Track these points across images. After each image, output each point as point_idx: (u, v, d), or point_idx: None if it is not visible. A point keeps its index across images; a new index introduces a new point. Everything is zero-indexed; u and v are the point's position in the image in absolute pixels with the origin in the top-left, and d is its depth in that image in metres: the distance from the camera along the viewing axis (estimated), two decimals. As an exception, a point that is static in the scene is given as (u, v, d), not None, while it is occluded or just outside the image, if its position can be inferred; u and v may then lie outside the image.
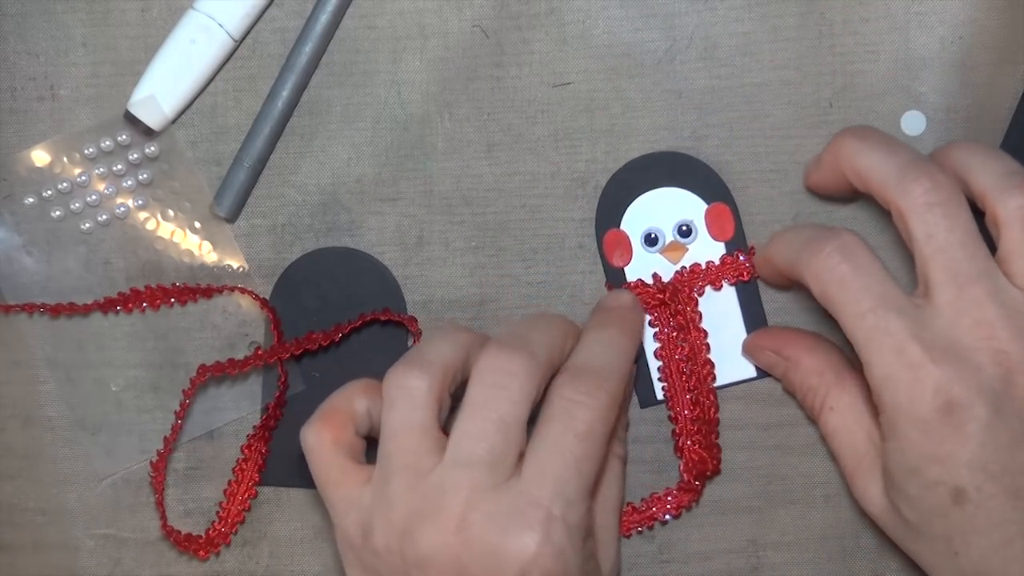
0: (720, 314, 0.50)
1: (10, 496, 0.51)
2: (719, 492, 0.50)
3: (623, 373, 0.45)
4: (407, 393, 0.42)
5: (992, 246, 0.43)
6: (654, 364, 0.50)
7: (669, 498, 0.50)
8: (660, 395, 0.50)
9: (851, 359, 0.47)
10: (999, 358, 0.41)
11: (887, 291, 0.42)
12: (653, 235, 0.50)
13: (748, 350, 0.49)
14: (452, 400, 0.44)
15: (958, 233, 0.42)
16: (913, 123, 0.49)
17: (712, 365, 0.49)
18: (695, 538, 0.50)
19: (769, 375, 0.50)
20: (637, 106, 0.50)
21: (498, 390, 0.42)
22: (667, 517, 0.50)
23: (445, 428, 0.43)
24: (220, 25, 0.48)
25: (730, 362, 0.50)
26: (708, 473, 0.49)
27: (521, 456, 0.42)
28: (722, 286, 0.50)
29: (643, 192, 0.50)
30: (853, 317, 0.42)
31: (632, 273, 0.50)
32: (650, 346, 0.50)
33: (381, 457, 0.43)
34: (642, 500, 0.50)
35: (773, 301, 0.50)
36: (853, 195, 0.47)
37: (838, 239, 0.43)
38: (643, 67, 0.50)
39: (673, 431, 0.50)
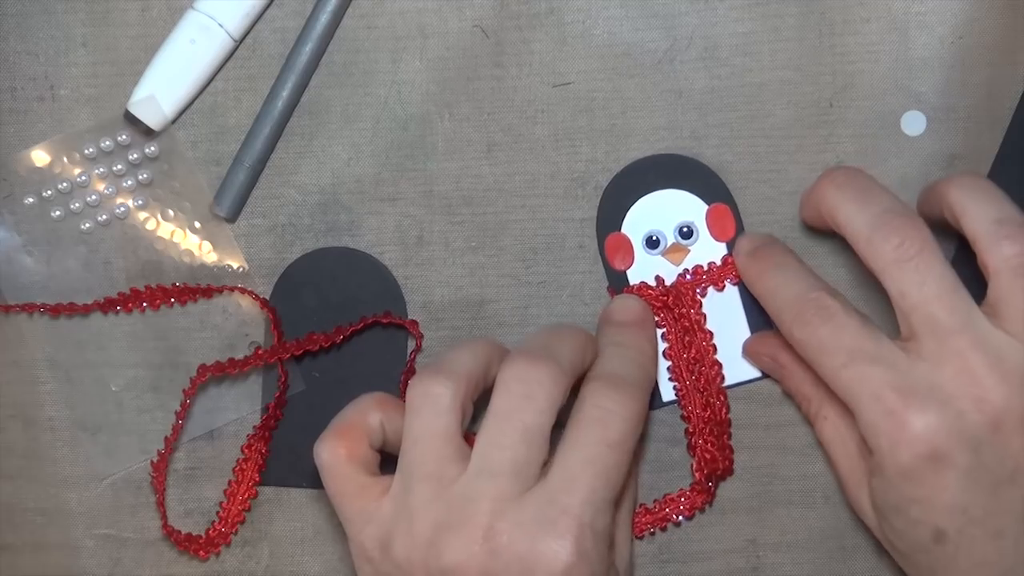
0: (723, 314, 0.50)
1: (10, 496, 0.51)
2: (719, 492, 0.50)
3: (651, 383, 0.46)
4: (431, 400, 0.42)
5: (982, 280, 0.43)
6: (662, 365, 0.50)
7: (683, 499, 0.50)
8: (665, 397, 0.50)
9: None
10: (982, 406, 0.41)
11: (863, 345, 0.42)
12: (654, 237, 0.50)
13: (747, 354, 0.49)
14: (474, 409, 0.44)
15: (932, 287, 0.42)
16: (913, 123, 0.49)
17: (720, 366, 0.49)
18: (695, 538, 0.50)
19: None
20: (637, 106, 0.50)
21: (524, 399, 0.42)
22: (680, 518, 0.50)
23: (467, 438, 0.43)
24: (220, 25, 0.48)
25: (735, 362, 0.50)
26: (720, 473, 0.49)
27: (543, 465, 0.42)
28: (724, 286, 0.50)
29: (643, 195, 0.50)
30: (831, 372, 0.43)
31: (634, 276, 0.50)
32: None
33: (403, 466, 0.43)
34: (655, 501, 0.50)
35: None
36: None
37: (817, 304, 0.44)
38: (643, 67, 0.50)
39: (686, 430, 0.50)
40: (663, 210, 0.50)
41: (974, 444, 0.41)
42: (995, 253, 0.42)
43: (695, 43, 0.49)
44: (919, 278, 0.42)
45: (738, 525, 0.50)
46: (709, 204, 0.50)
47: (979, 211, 0.43)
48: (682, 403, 0.50)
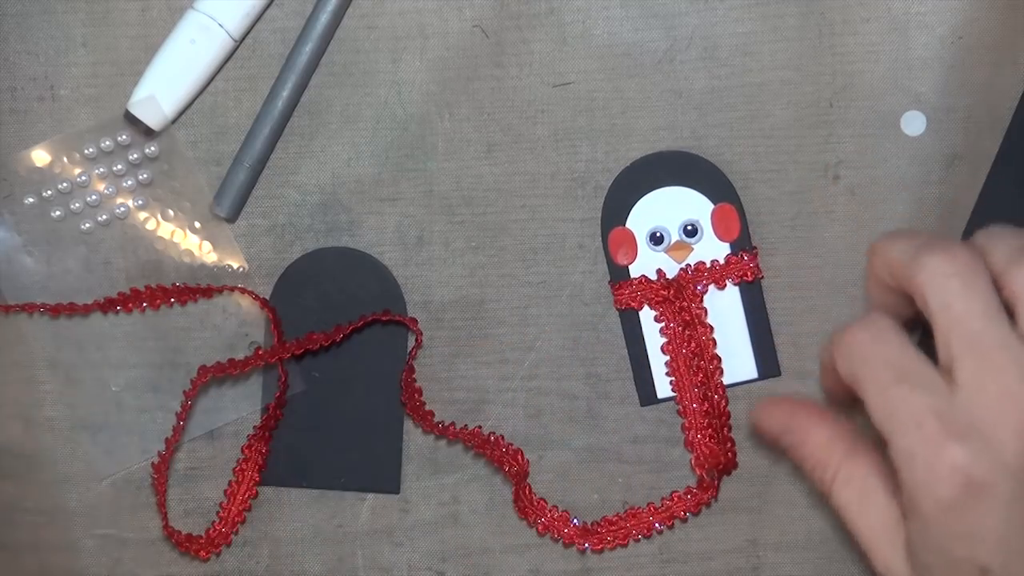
0: (723, 314, 0.50)
1: (10, 496, 0.51)
2: (720, 492, 0.50)
3: None
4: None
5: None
6: (659, 360, 0.50)
7: (689, 496, 0.50)
8: (660, 394, 0.50)
9: (863, 432, 0.45)
10: (1022, 434, 0.40)
11: (911, 367, 0.41)
12: (659, 234, 0.50)
13: (755, 420, 0.47)
14: None
15: (977, 302, 0.40)
16: (913, 123, 0.49)
17: (719, 360, 0.49)
18: (695, 538, 0.50)
19: (770, 376, 0.50)
20: (637, 106, 0.50)
21: None
22: (687, 515, 0.50)
23: None
24: (220, 25, 0.48)
25: (732, 362, 0.50)
26: (722, 467, 0.49)
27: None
28: (726, 285, 0.50)
29: (650, 191, 0.50)
30: (875, 393, 0.41)
31: (636, 271, 0.50)
32: (653, 342, 0.50)
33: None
34: (662, 500, 0.50)
35: (776, 301, 0.50)
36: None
37: (866, 319, 0.42)
38: (643, 67, 0.50)
39: (682, 425, 0.50)
40: (669, 207, 0.50)
41: (1015, 473, 0.40)
42: (1019, 276, 0.42)
43: (695, 43, 0.49)
44: (965, 291, 0.40)
45: (738, 525, 0.50)
46: (715, 203, 0.50)
47: (1000, 243, 0.42)
48: (678, 398, 0.50)
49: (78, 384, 0.51)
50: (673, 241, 0.50)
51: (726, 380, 0.50)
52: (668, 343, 0.50)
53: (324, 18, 0.49)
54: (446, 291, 0.50)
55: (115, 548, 0.51)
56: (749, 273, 0.50)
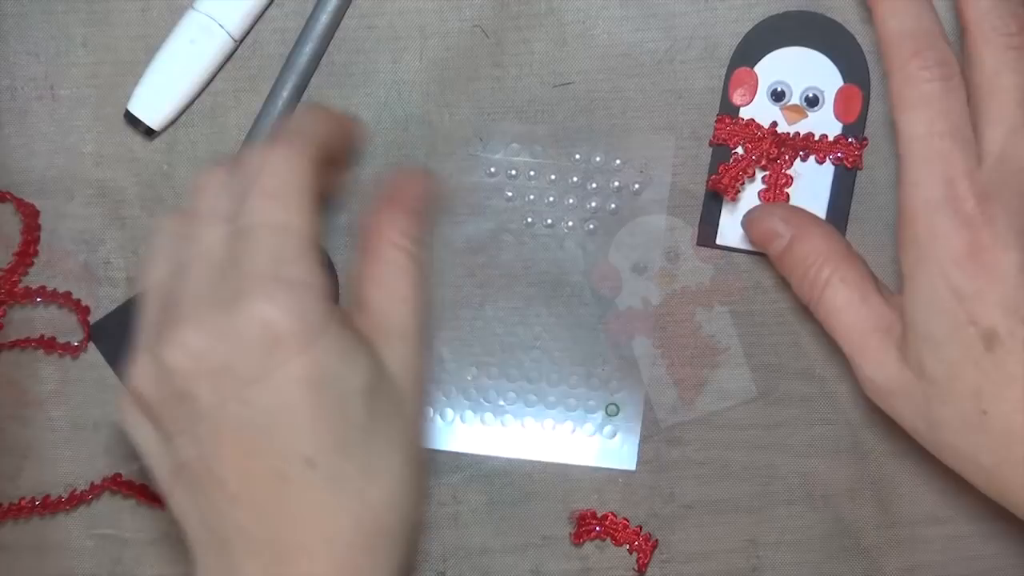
0: (809, 190, 0.49)
1: (10, 496, 0.51)
2: (719, 492, 0.50)
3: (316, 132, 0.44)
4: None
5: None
6: (729, 210, 0.49)
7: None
8: (719, 240, 0.49)
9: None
10: None
11: (961, 125, 0.42)
12: (780, 89, 0.49)
13: (752, 217, 0.47)
14: None
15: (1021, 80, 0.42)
16: (914, 122, 0.49)
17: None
18: (695, 538, 0.50)
19: (767, 380, 0.50)
20: (637, 106, 0.50)
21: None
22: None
23: None
24: (220, 25, 0.48)
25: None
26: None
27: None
28: (825, 160, 0.49)
29: (788, 45, 0.49)
30: (919, 136, 0.43)
31: (746, 115, 0.49)
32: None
33: None
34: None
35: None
36: None
37: (939, 57, 0.43)
38: (643, 67, 0.50)
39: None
40: (800, 68, 0.49)
41: None
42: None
43: (695, 43, 0.50)
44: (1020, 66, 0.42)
45: (738, 525, 0.50)
46: (844, 82, 0.49)
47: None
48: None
49: (78, 384, 0.51)
50: (791, 103, 0.49)
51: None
52: (767, 189, 0.49)
53: (324, 18, 0.49)
54: (446, 291, 0.50)
55: (115, 548, 0.51)
56: (851, 158, 0.49)
